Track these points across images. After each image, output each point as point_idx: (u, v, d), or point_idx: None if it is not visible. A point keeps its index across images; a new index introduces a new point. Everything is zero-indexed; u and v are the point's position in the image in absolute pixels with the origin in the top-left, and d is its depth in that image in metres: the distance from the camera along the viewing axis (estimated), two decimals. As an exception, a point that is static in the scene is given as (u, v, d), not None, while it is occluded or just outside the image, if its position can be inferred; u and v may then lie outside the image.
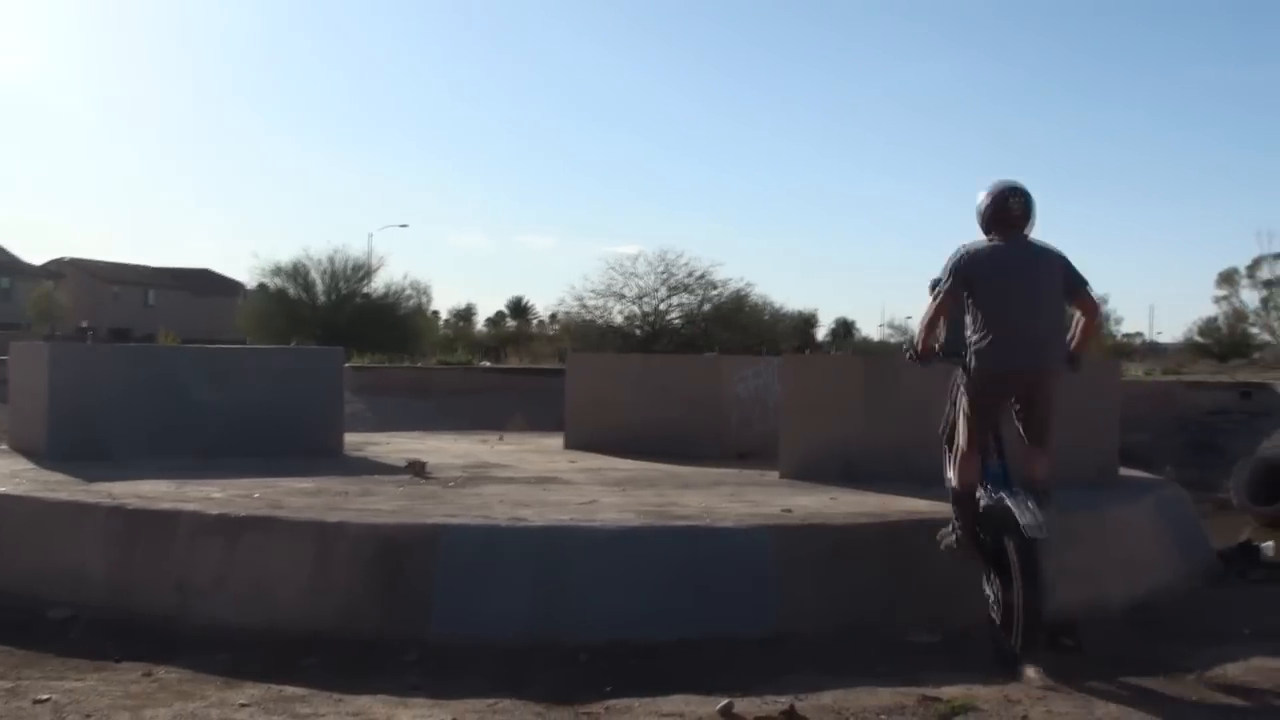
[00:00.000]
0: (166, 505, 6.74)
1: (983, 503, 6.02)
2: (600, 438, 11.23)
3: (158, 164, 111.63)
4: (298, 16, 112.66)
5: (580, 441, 11.48)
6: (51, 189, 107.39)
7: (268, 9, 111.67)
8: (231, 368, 10.54)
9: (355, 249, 53.80)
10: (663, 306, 47.36)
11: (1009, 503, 5.74)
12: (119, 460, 8.67)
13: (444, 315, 75.96)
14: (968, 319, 6.08)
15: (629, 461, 10.06)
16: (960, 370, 6.12)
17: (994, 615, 5.90)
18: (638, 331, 46.14)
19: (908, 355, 6.49)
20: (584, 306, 47.50)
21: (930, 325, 6.26)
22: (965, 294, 6.04)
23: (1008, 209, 6.20)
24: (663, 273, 47.00)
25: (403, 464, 9.12)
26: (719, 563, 6.12)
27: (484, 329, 74.57)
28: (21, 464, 8.82)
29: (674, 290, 47.34)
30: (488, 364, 30.70)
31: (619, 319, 47.61)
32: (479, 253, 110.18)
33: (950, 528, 6.21)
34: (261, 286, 53.82)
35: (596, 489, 8.07)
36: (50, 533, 6.83)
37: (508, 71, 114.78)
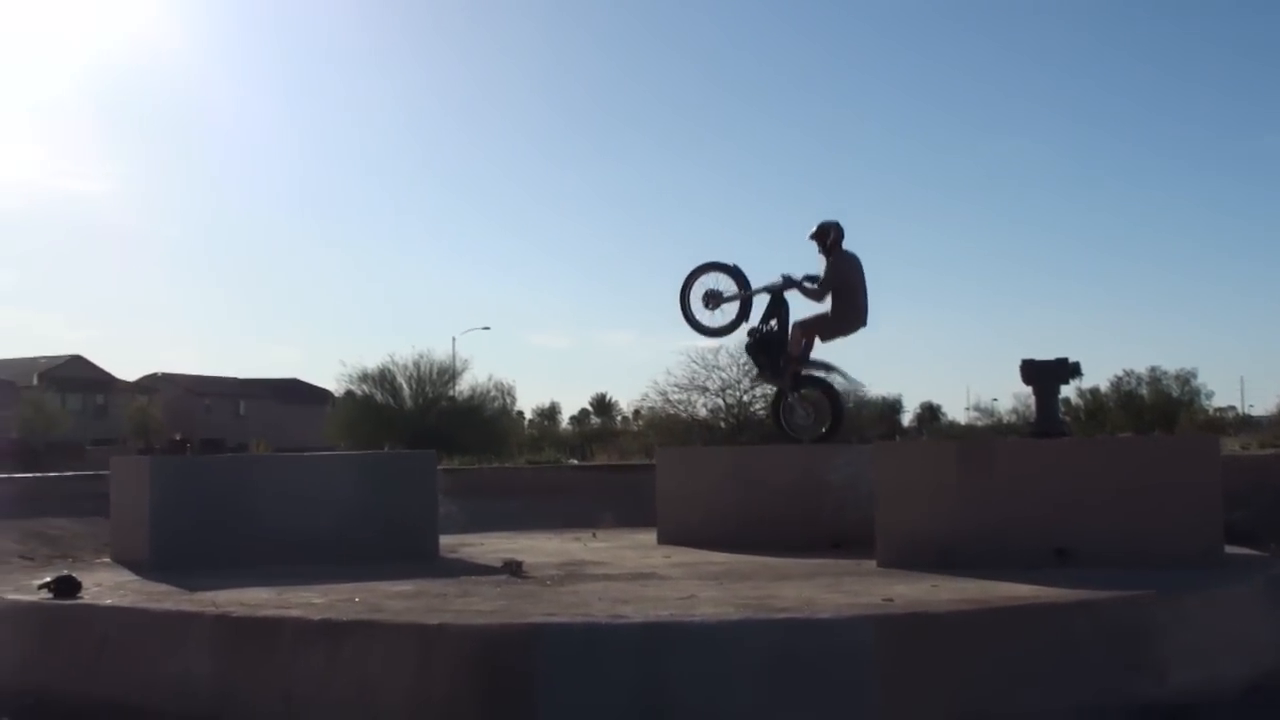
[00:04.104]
0: (270, 612, 6.79)
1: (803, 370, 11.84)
2: (693, 532, 11.18)
3: (243, 276, 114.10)
4: (372, 125, 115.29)
5: (673, 536, 11.43)
6: (141, 307, 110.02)
7: (341, 118, 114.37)
8: (327, 474, 10.67)
9: (439, 353, 54.49)
10: (746, 398, 47.26)
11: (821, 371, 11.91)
12: (220, 569, 8.74)
13: (528, 415, 76.43)
14: (830, 293, 11.52)
15: (723, 555, 9.98)
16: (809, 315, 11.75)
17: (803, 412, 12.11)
18: (722, 424, 46.04)
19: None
20: (668, 401, 47.56)
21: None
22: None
23: (841, 233, 11.52)
24: (745, 364, 46.97)
25: (498, 564, 9.13)
26: (821, 654, 6.04)
27: (569, 427, 74.83)
28: (125, 575, 8.95)
29: (757, 381, 47.24)
30: (575, 462, 30.74)
31: (703, 412, 47.58)
32: (560, 351, 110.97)
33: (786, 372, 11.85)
34: (349, 393, 54.62)
35: (693, 583, 8.02)
36: (156, 643, 6.90)
37: (582, 172, 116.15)
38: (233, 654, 6.57)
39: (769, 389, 47.05)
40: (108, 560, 10.38)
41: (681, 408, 47.47)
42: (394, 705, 6.01)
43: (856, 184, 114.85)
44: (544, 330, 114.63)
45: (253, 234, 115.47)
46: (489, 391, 55.32)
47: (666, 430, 44.49)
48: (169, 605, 7.30)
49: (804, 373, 11.99)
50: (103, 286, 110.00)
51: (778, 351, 11.88)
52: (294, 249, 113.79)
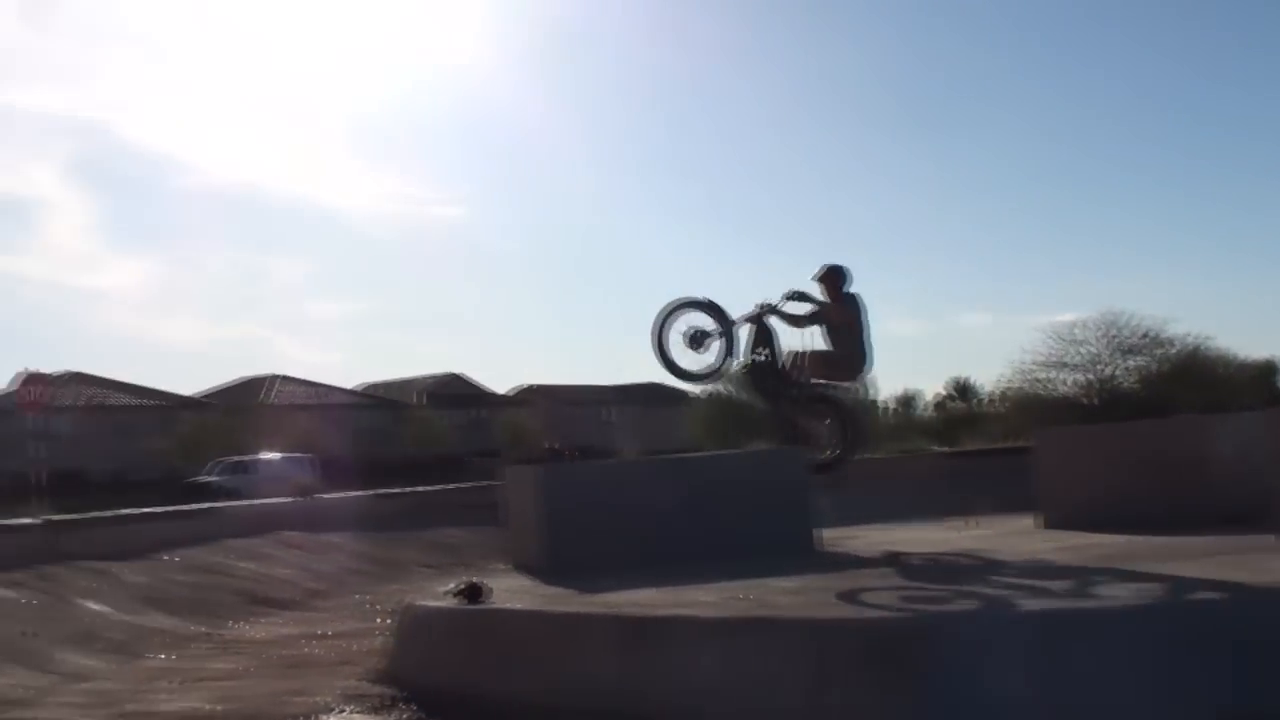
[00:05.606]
0: (664, 612, 7.01)
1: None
2: (1077, 514, 10.83)
3: (596, 287, 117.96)
4: (694, 131, 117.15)
5: (1055, 520, 11.11)
6: (508, 322, 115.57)
7: (665, 125, 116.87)
8: (703, 473, 10.92)
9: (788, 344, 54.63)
10: (1113, 372, 45.44)
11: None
12: (610, 571, 9.00)
13: (887, 404, 75.60)
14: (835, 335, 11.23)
15: (1110, 536, 9.61)
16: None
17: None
18: (1094, 400, 44.41)
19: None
20: (1031, 380, 46.26)
21: None
22: None
23: (849, 277, 11.28)
24: (1110, 337, 45.19)
25: (879, 555, 9.13)
26: (1240, 637, 5.76)
27: (928, 413, 73.52)
28: (524, 581, 9.41)
29: (1124, 353, 45.37)
30: (944, 449, 30.29)
31: (1069, 389, 46.02)
32: (914, 337, 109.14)
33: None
34: (709, 393, 55.64)
35: (1085, 568, 7.78)
36: (560, 644, 7.21)
37: (925, 150, 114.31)
38: (632, 653, 6.78)
39: (1137, 360, 45.33)
40: (504, 565, 10.93)
41: (1046, 386, 46.11)
42: (791, 701, 6.07)
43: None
44: (897, 317, 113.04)
45: (601, 245, 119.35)
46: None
47: (1032, 410, 43.15)
48: (569, 608, 7.66)
49: (813, 393, 11.49)
50: (472, 305, 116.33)
51: (778, 380, 11.34)
52: (641, 257, 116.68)
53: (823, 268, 11.25)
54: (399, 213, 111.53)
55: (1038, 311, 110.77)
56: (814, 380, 11.34)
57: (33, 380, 34.09)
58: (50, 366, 48.13)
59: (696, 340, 11.04)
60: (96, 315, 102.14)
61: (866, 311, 11.21)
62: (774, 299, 11.18)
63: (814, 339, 11.30)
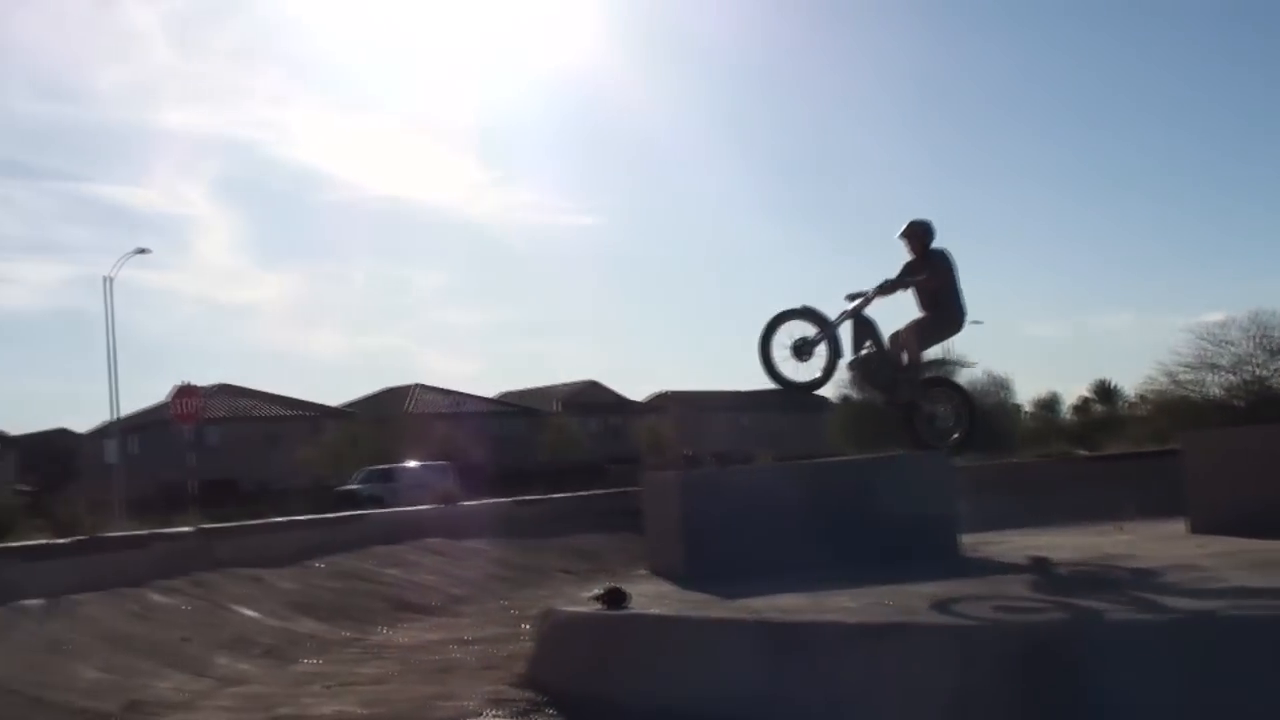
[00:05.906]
0: (807, 617, 7.00)
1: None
2: (1226, 518, 10.52)
3: (725, 291, 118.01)
4: (837, 123, 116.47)
5: (1206, 524, 10.80)
6: (643, 330, 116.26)
7: (802, 123, 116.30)
8: (842, 478, 10.88)
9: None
10: (1263, 373, 44.11)
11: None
12: (749, 576, 8.97)
13: (1027, 407, 74.41)
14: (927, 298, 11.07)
15: (1262, 541, 9.29)
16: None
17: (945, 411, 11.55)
18: (1238, 402, 43.15)
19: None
20: (1175, 382, 45.14)
21: None
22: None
23: (934, 233, 11.08)
24: (1259, 337, 43.89)
25: (1023, 560, 9.01)
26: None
27: (1070, 416, 72.09)
28: (664, 586, 9.44)
29: (1274, 354, 44.01)
30: (1086, 453, 29.69)
31: (1216, 391, 44.81)
32: (1055, 339, 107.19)
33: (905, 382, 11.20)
34: (845, 399, 55.47)
35: (1235, 573, 7.57)
36: (701, 649, 7.23)
37: (1076, 144, 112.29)
38: (774, 659, 6.77)
39: (1289, 357, 43.91)
40: (644, 571, 10.99)
41: (1192, 388, 44.95)
42: (938, 707, 6.03)
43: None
44: (1038, 319, 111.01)
45: (735, 250, 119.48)
46: (987, 386, 54.52)
47: (1177, 413, 42.07)
48: (710, 613, 7.68)
49: (926, 376, 11.47)
50: (608, 313, 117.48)
51: (890, 369, 11.19)
52: (774, 261, 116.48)
53: (907, 224, 11.12)
54: (535, 222, 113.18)
55: (1183, 312, 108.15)
56: (917, 352, 11.24)
57: (185, 393, 35.18)
58: (202, 379, 49.63)
59: (801, 351, 10.92)
60: (245, 329, 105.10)
61: (954, 262, 11.06)
62: (866, 290, 11.06)
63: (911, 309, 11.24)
